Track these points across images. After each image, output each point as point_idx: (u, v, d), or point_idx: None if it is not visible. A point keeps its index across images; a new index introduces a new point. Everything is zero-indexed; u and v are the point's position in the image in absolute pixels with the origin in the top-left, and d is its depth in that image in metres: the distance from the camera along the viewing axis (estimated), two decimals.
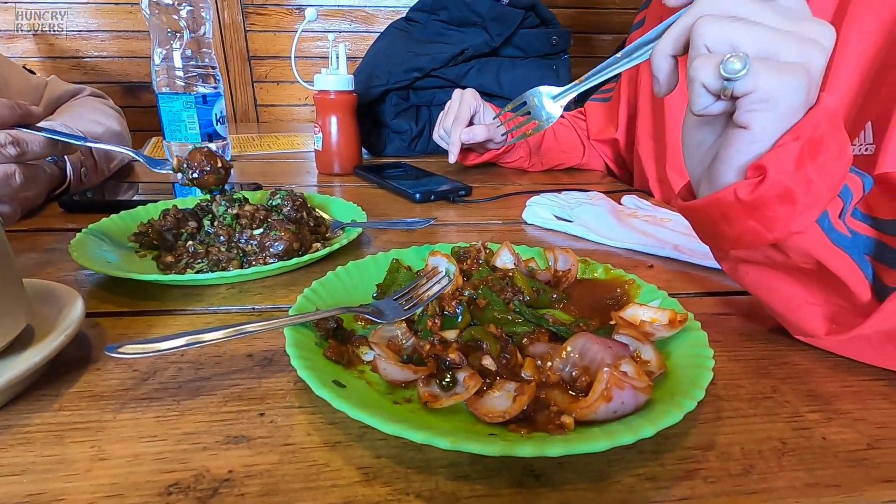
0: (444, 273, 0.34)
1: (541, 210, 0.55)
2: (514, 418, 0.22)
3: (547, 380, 0.24)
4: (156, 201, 0.51)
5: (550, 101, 0.36)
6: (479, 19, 0.88)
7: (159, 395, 0.25)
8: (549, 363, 0.25)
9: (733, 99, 0.24)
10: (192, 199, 0.51)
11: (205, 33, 0.76)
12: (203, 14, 0.75)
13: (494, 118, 0.73)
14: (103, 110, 0.76)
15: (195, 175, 0.44)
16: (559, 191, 0.63)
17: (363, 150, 0.84)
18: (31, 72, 1.25)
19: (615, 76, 0.36)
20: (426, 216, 0.57)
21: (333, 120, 0.73)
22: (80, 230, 0.40)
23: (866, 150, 0.41)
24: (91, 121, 0.70)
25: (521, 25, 0.91)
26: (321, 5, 1.38)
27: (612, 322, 0.29)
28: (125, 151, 0.49)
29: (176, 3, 0.72)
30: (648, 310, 0.29)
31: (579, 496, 0.19)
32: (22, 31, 1.31)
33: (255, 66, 1.41)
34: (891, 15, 0.39)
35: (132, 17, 1.33)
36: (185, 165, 0.44)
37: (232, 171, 0.47)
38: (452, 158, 0.72)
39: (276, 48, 1.41)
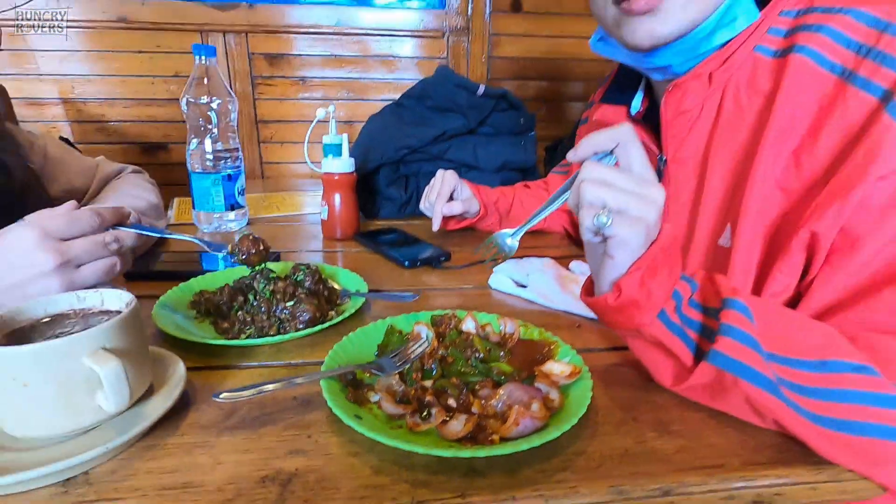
0: (424, 338, 0.49)
1: (503, 277, 0.71)
2: (464, 437, 0.36)
3: (487, 413, 0.39)
4: (198, 273, 0.65)
5: (509, 238, 0.52)
6: (458, 107, 1.06)
7: (243, 425, 0.39)
8: (490, 402, 0.40)
9: (605, 237, 0.39)
10: (228, 271, 0.66)
11: (230, 121, 0.93)
12: (229, 107, 0.92)
13: (468, 196, 0.89)
14: (143, 186, 0.91)
15: (244, 257, 0.59)
16: (521, 257, 0.79)
17: (361, 213, 0.99)
18: (67, 139, 1.41)
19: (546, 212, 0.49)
20: (414, 281, 0.73)
21: (337, 196, 0.89)
22: (140, 297, 0.54)
23: (727, 243, 0.57)
24: (135, 196, 0.85)
25: (494, 110, 1.09)
26: (321, 77, 1.56)
27: (536, 373, 0.44)
28: (191, 240, 0.63)
29: (208, 100, 0.89)
30: (559, 364, 0.44)
31: (500, 481, 0.34)
32: (53, 98, 1.47)
33: (262, 128, 1.58)
34: (739, 148, 0.56)
35: (153, 87, 1.50)
36: (237, 250, 0.59)
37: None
38: (436, 227, 0.87)
39: (280, 113, 1.58)
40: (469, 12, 1.55)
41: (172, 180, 1.41)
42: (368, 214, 1.06)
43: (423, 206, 0.91)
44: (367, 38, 1.55)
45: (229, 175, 0.92)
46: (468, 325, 0.52)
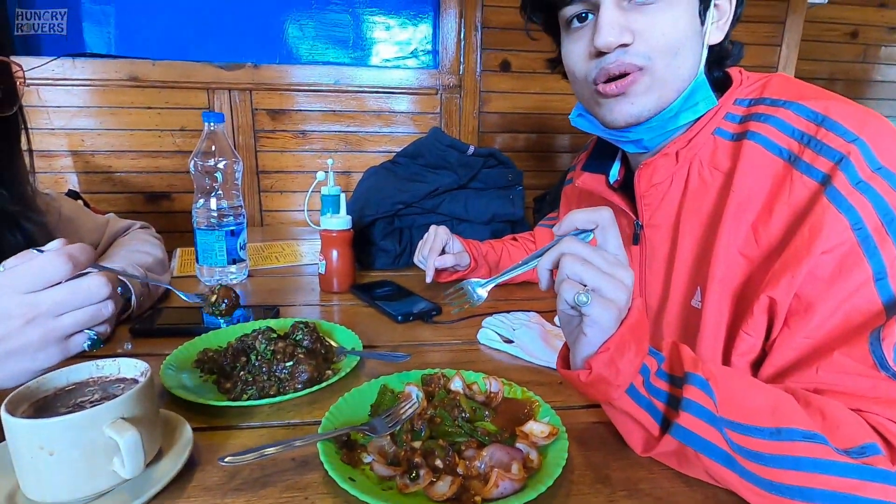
0: (415, 398, 0.52)
1: (490, 332, 0.75)
2: (450, 498, 0.40)
3: (471, 474, 0.43)
4: (200, 329, 0.69)
5: (480, 287, 0.56)
6: (449, 165, 1.13)
7: (245, 487, 0.42)
8: (473, 463, 0.43)
9: (581, 314, 0.43)
10: (232, 328, 0.70)
11: (235, 180, 0.98)
12: (234, 167, 0.98)
13: (460, 250, 0.94)
14: (150, 241, 0.95)
15: (223, 307, 0.63)
16: (508, 311, 0.84)
17: (357, 264, 1.04)
18: (75, 192, 1.46)
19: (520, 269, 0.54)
20: (407, 335, 0.76)
21: (335, 252, 0.94)
22: (147, 354, 0.57)
23: (698, 304, 0.61)
24: (143, 252, 0.89)
25: (483, 166, 1.16)
26: (320, 130, 1.65)
27: (517, 433, 0.47)
28: (169, 287, 0.66)
29: (214, 162, 0.95)
30: (539, 425, 0.48)
31: None
32: (63, 151, 1.54)
33: (263, 178, 1.65)
34: (705, 218, 0.61)
35: (160, 140, 1.58)
36: (215, 299, 0.63)
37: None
38: (429, 279, 0.92)
39: (280, 164, 1.66)
40: (461, 71, 1.65)
41: (175, 227, 1.46)
42: (364, 265, 1.11)
43: (417, 259, 0.96)
44: (363, 94, 1.65)
45: (232, 231, 0.97)
46: (456, 385, 0.56)
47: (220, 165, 0.95)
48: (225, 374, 0.59)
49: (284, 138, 1.63)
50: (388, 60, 1.73)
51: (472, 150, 1.12)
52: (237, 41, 1.61)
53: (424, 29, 1.71)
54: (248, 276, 1.04)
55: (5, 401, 0.37)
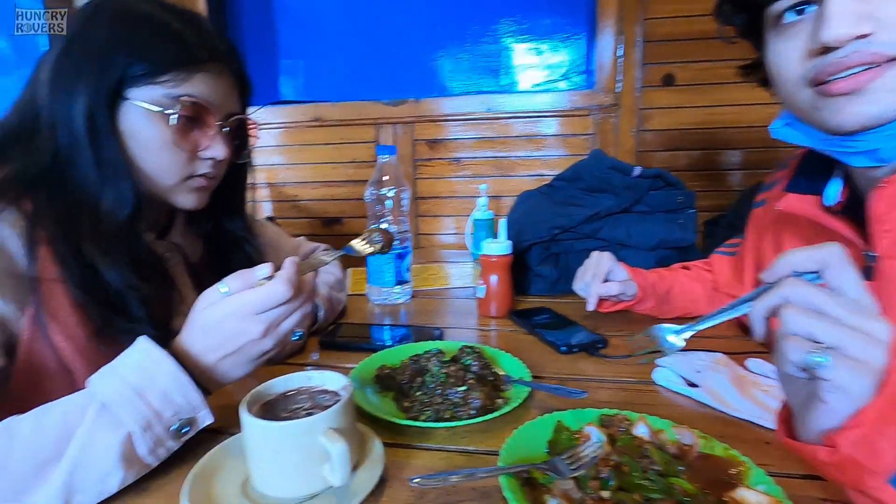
0: (596, 440, 0.49)
1: (669, 373, 0.67)
2: None
3: None
4: (371, 344, 0.75)
5: (672, 335, 0.51)
6: (611, 188, 1.07)
7: None
8: None
9: (814, 376, 0.34)
10: (403, 347, 0.74)
11: (403, 207, 1.06)
12: (402, 194, 1.05)
13: (625, 278, 0.88)
14: (332, 263, 1.07)
15: (376, 244, 0.68)
16: (687, 350, 0.75)
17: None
18: (272, 218, 1.72)
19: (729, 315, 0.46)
20: (570, 367, 0.73)
21: (494, 277, 0.94)
22: (331, 367, 0.62)
23: None
24: (327, 272, 1.00)
25: (650, 189, 1.08)
26: (473, 157, 1.70)
27: (726, 500, 0.41)
28: (344, 252, 0.72)
29: (387, 191, 1.03)
30: (754, 493, 0.41)
31: None
32: (262, 184, 1.83)
33: (420, 203, 1.76)
34: None
35: (335, 171, 1.78)
36: (376, 237, 0.68)
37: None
38: (591, 307, 0.87)
39: (435, 190, 1.75)
40: (617, 89, 1.58)
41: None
42: (520, 290, 1.10)
43: (577, 286, 0.91)
44: (514, 120, 1.67)
45: (399, 254, 1.04)
46: (640, 430, 0.51)
47: (390, 194, 1.03)
48: (403, 393, 0.62)
49: (440, 165, 1.73)
50: (537, 85, 1.74)
51: (637, 171, 1.05)
52: (401, 79, 1.76)
53: (577, 50, 1.69)
54: (412, 297, 1.10)
55: (243, 401, 0.44)
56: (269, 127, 1.79)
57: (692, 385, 0.65)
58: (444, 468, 0.49)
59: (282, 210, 1.84)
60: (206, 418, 0.49)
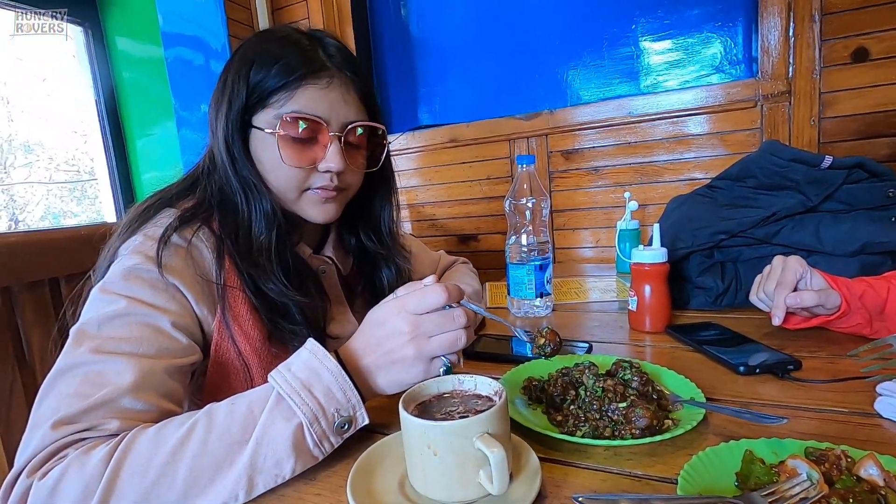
0: (805, 477, 0.40)
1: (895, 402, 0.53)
2: None
3: None
4: (511, 357, 0.72)
5: None
6: (792, 183, 0.91)
7: None
8: None
9: None
10: (552, 360, 0.70)
11: (543, 217, 1.02)
12: (542, 205, 1.02)
13: (822, 287, 0.73)
14: (470, 275, 1.08)
15: (549, 350, 0.63)
16: None
17: None
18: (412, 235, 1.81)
19: None
20: (748, 391, 0.62)
21: (647, 287, 0.86)
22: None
23: None
24: (465, 283, 1.01)
25: (845, 182, 0.89)
26: (613, 165, 1.61)
27: None
28: (507, 325, 0.70)
29: (526, 201, 1.01)
30: None
31: None
32: (403, 205, 1.94)
33: (556, 217, 1.71)
34: None
35: (470, 189, 1.83)
36: (543, 342, 0.63)
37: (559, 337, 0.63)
38: (777, 321, 0.74)
39: (573, 202, 1.68)
40: (790, 74, 1.36)
41: (480, 265, 1.64)
42: (677, 304, 0.99)
43: (756, 297, 0.78)
44: (659, 122, 1.54)
45: (540, 266, 1.00)
46: (870, 471, 0.40)
47: (530, 204, 1.01)
48: (554, 406, 0.58)
49: (577, 176, 1.66)
50: (687, 82, 1.58)
51: (828, 161, 0.88)
52: (533, 92, 1.75)
53: (733, 37, 1.50)
54: (553, 310, 1.05)
55: (401, 399, 0.44)
56: (408, 152, 1.91)
57: None
58: (606, 490, 0.44)
59: (420, 229, 1.93)
60: (363, 418, 0.51)
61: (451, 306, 0.54)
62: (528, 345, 0.84)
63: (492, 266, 1.77)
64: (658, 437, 0.48)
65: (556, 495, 0.44)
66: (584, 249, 1.71)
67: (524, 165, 1.01)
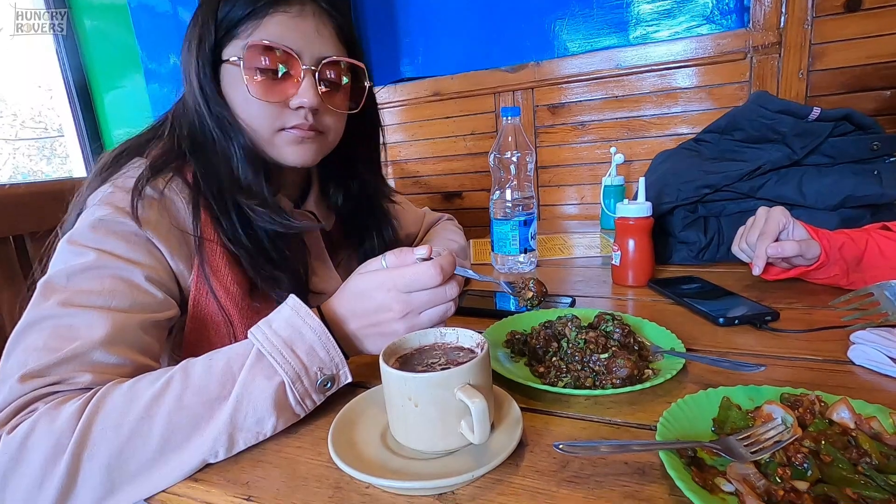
0: (780, 422, 0.40)
1: (870, 350, 0.54)
2: None
3: None
4: (495, 312, 0.72)
5: None
6: (778, 136, 0.90)
7: (579, 481, 0.39)
8: None
9: None
10: (533, 313, 0.70)
11: (528, 171, 1.00)
12: (527, 159, 1.00)
13: (803, 237, 0.73)
14: (455, 231, 1.07)
15: (535, 301, 0.62)
16: (892, 326, 0.60)
17: None
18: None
19: None
20: (728, 342, 0.62)
21: (631, 241, 0.85)
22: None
23: None
24: (450, 240, 1.00)
25: (830, 135, 0.89)
26: (599, 120, 1.57)
27: None
28: (495, 282, 0.69)
29: (510, 154, 0.98)
30: None
31: None
32: (385, 161, 1.89)
33: (541, 173, 1.68)
34: None
35: (454, 144, 1.78)
36: (531, 295, 0.62)
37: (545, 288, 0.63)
38: (757, 271, 0.74)
39: (558, 158, 1.66)
40: (781, 24, 1.33)
41: (465, 223, 1.63)
42: (658, 259, 0.99)
43: (738, 247, 0.79)
44: (647, 74, 1.50)
45: (524, 221, 0.99)
46: (842, 415, 0.41)
47: (515, 158, 0.99)
48: (537, 358, 0.58)
49: (563, 132, 1.63)
50: (677, 34, 1.53)
51: (816, 112, 0.86)
52: (519, 43, 1.68)
53: None
54: (537, 265, 1.05)
55: (382, 352, 0.43)
56: (390, 106, 1.85)
57: None
58: (587, 438, 0.45)
59: (404, 186, 1.89)
60: (346, 376, 0.50)
61: None
62: (513, 299, 0.84)
63: (476, 224, 1.75)
64: (639, 387, 0.49)
65: (536, 443, 0.44)
66: (568, 206, 1.70)
67: (509, 118, 0.98)
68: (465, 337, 0.47)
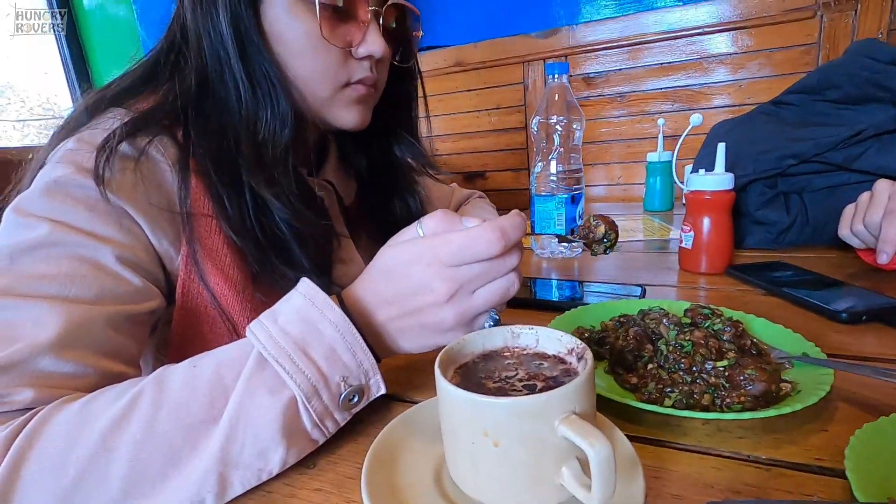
0: None
1: None
2: None
3: None
4: (568, 306, 0.58)
5: None
6: (885, 94, 0.75)
7: None
8: None
9: None
10: (602, 304, 0.56)
11: (575, 141, 0.86)
12: (575, 126, 0.86)
13: None
14: (488, 210, 0.93)
15: (609, 244, 0.48)
16: None
17: None
18: None
19: None
20: (861, 344, 0.49)
21: (706, 220, 0.71)
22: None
23: None
24: (482, 218, 0.86)
25: None
26: (641, 91, 1.42)
27: None
28: (551, 233, 0.57)
29: (557, 119, 0.84)
30: None
31: None
32: None
33: None
34: None
35: (477, 120, 1.64)
36: (603, 230, 0.48)
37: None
38: (885, 259, 0.61)
39: (593, 134, 1.51)
40: None
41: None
42: None
43: (848, 231, 0.64)
44: (699, 38, 1.34)
45: (573, 197, 0.85)
46: None
47: (560, 125, 0.85)
48: (625, 365, 0.44)
49: (600, 104, 1.48)
50: None
51: None
52: (549, 5, 1.52)
53: None
54: (582, 250, 0.91)
55: (437, 361, 0.30)
56: None
57: None
58: (720, 482, 0.31)
59: None
60: (378, 387, 0.38)
61: None
62: (556, 288, 0.71)
63: (501, 208, 1.61)
64: (787, 409, 0.35)
65: (658, 492, 0.31)
66: (600, 187, 1.55)
67: (556, 76, 0.84)
68: (549, 339, 0.34)
